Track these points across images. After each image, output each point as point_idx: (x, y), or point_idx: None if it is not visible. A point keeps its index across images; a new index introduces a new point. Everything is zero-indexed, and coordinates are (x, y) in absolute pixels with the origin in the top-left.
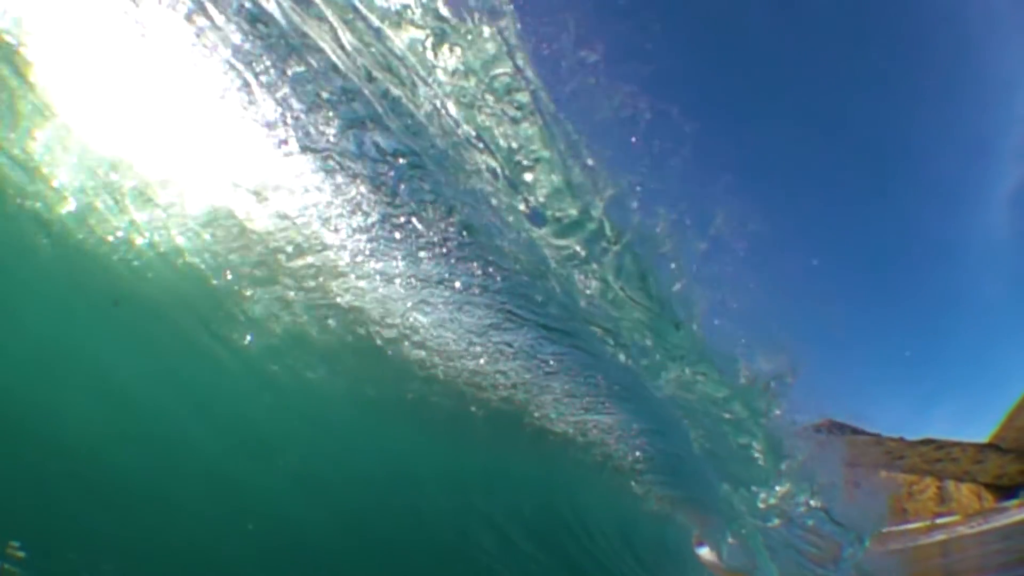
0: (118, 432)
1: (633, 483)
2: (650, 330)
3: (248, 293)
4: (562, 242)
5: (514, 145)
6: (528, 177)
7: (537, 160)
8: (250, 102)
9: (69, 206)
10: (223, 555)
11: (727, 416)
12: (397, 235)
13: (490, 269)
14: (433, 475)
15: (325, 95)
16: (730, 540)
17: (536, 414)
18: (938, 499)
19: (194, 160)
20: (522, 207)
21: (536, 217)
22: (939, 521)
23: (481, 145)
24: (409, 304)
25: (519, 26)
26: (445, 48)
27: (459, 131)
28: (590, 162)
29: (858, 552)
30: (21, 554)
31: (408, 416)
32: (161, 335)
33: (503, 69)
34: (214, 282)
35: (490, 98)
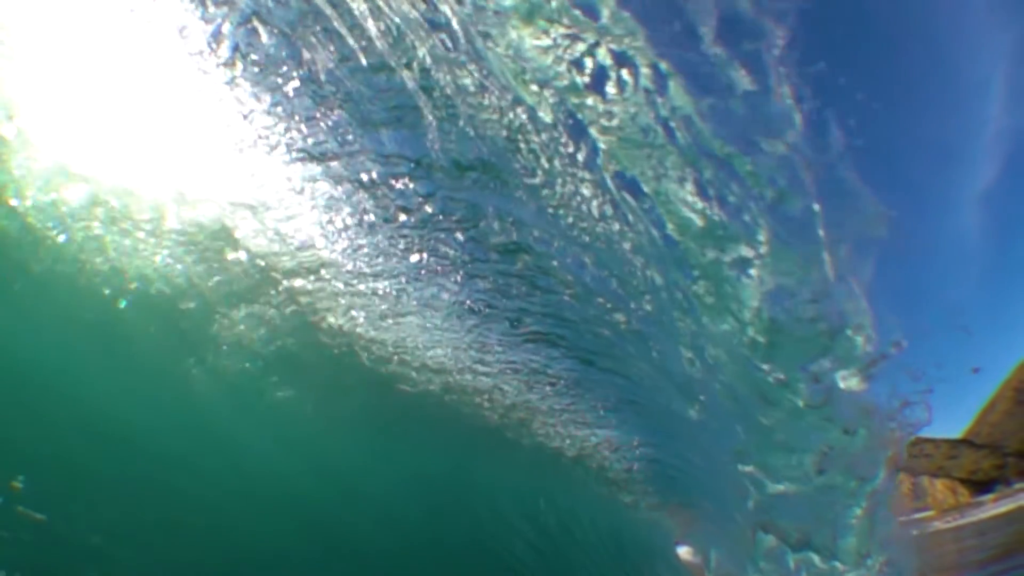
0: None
1: (626, 492)
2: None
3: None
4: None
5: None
6: (752, 277)
7: (782, 259)
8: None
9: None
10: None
11: (833, 495)
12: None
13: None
14: (438, 481)
15: (363, 88)
16: None
17: (540, 431)
18: (912, 495)
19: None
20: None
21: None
22: (914, 517)
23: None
24: (428, 336)
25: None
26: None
27: (604, 172)
28: None
29: None
30: (19, 485)
31: (403, 428)
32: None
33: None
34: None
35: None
